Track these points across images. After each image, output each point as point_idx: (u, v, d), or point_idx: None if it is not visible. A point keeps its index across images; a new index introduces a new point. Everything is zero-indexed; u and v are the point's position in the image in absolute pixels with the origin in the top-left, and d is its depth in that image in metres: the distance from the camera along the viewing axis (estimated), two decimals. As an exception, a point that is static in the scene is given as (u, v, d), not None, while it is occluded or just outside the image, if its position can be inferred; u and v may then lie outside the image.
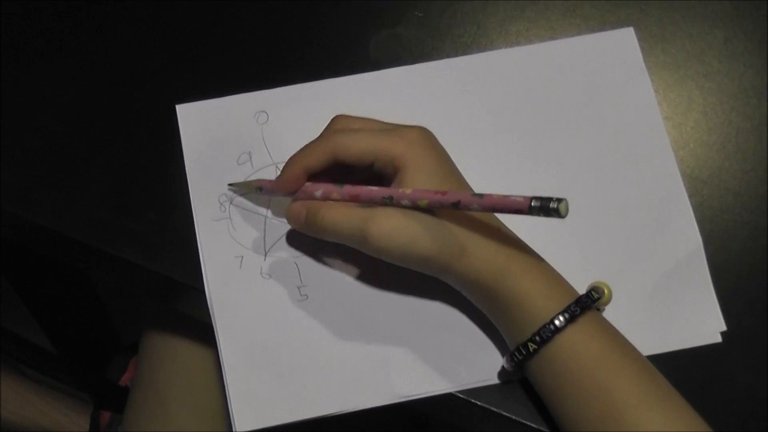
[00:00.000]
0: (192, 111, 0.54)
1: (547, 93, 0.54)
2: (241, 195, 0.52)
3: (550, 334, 0.42)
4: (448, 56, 0.55)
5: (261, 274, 0.51)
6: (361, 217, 0.43)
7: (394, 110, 0.51)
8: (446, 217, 0.43)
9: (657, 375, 0.43)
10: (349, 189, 0.45)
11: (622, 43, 0.55)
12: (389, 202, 0.43)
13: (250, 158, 0.53)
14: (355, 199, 0.45)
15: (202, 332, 0.52)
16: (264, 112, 0.54)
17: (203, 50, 0.57)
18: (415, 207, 0.43)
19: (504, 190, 0.42)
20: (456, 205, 0.41)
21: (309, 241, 0.51)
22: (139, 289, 0.58)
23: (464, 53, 0.55)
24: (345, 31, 0.56)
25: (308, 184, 0.47)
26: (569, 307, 0.42)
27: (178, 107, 0.54)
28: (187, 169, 0.53)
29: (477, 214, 0.44)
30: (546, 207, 0.37)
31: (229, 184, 0.52)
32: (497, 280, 0.43)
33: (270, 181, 0.49)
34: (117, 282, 0.69)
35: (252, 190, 0.51)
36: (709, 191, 0.52)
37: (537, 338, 0.42)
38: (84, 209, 0.53)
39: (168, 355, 0.68)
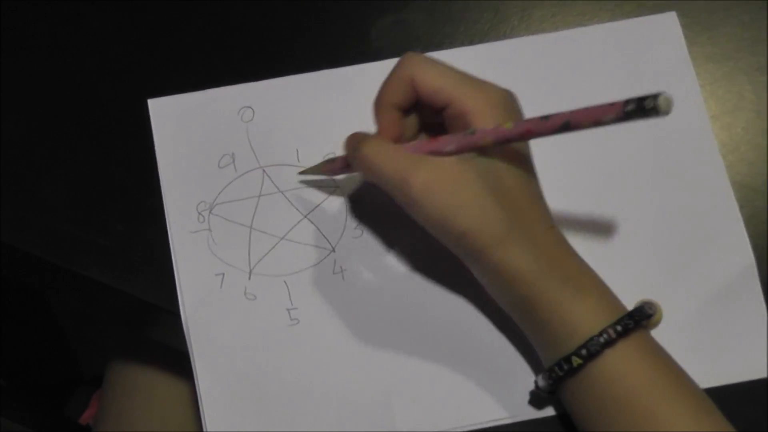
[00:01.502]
0: (166, 106, 0.54)
1: (576, 88, 0.54)
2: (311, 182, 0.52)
3: (599, 348, 0.42)
4: (462, 45, 0.56)
5: (245, 294, 0.51)
6: (408, 159, 0.43)
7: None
8: (498, 196, 0.43)
9: (714, 410, 0.43)
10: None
11: (663, 31, 0.55)
12: (469, 133, 0.43)
13: (233, 161, 0.54)
14: (433, 142, 0.45)
15: (177, 362, 0.52)
16: (249, 107, 0.54)
17: (180, 37, 0.57)
18: (499, 140, 0.42)
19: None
20: (543, 119, 0.41)
21: (301, 257, 0.51)
22: (105, 313, 0.58)
23: (480, 41, 0.56)
24: (344, 17, 0.57)
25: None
26: (622, 319, 0.43)
27: (150, 102, 0.54)
28: (160, 173, 0.53)
29: (531, 202, 0.44)
30: (642, 107, 0.36)
31: (300, 173, 0.52)
32: (539, 281, 0.43)
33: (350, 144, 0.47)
34: (79, 304, 0.68)
35: (326, 173, 0.51)
36: (762, 201, 0.53)
37: (583, 352, 0.42)
38: (42, 220, 0.53)
39: (137, 388, 0.68)
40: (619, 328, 0.42)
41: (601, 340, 0.42)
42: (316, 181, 0.53)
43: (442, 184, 0.43)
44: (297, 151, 0.54)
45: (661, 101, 0.35)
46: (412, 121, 0.47)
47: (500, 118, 0.43)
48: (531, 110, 0.52)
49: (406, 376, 0.50)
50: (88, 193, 0.54)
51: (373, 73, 0.53)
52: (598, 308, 0.43)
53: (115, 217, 0.53)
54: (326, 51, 0.56)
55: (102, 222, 0.53)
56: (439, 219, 0.43)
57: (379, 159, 0.44)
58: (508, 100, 0.44)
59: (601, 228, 0.52)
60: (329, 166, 0.51)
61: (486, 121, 0.43)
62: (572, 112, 0.39)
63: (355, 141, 0.46)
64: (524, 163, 0.46)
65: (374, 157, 0.44)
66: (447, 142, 0.44)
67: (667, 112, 0.35)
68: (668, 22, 0.54)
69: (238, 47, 0.56)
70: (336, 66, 0.55)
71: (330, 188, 0.53)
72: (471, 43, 0.55)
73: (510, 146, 0.44)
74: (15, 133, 0.55)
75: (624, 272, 0.50)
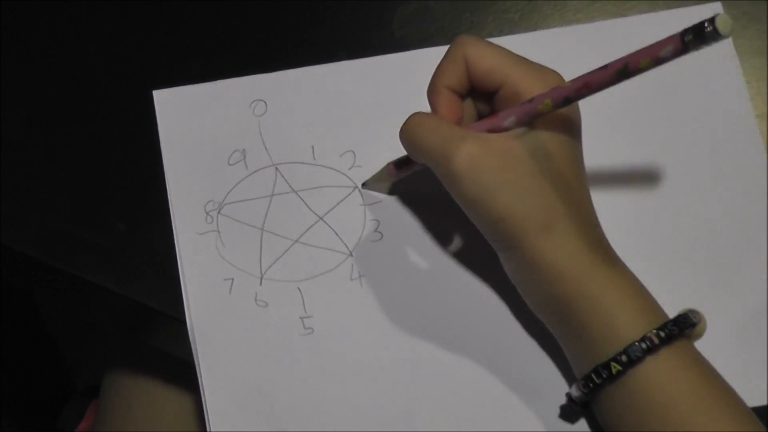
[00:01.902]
0: (173, 98, 0.54)
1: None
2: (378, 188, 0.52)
3: (640, 354, 0.42)
4: (491, 35, 0.55)
5: (256, 301, 0.51)
6: (454, 132, 0.43)
7: (423, 98, 0.51)
8: (547, 178, 0.43)
9: (761, 429, 0.43)
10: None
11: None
12: (527, 102, 0.43)
13: (244, 157, 0.53)
14: (491, 117, 0.45)
15: (181, 374, 0.52)
16: (262, 100, 0.54)
17: (188, 24, 0.57)
18: (558, 100, 0.42)
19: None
20: (601, 69, 0.41)
21: (316, 261, 0.51)
22: (104, 319, 0.58)
23: (510, 32, 0.55)
24: (364, 4, 0.57)
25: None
26: (666, 325, 0.42)
27: (155, 93, 0.54)
28: (165, 170, 0.53)
29: (572, 199, 0.44)
30: (701, 33, 0.36)
31: (363, 184, 0.52)
32: (579, 279, 0.43)
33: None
34: (75, 309, 0.68)
35: (387, 178, 0.51)
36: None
37: (623, 358, 0.42)
38: (38, 218, 0.53)
39: (137, 400, 0.67)
40: (662, 333, 0.41)
41: (643, 345, 0.41)
42: (333, 180, 0.53)
43: (487, 159, 0.42)
44: (312, 148, 0.54)
45: (719, 23, 0.35)
46: (469, 107, 0.47)
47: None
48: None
49: (428, 391, 0.49)
50: (88, 190, 0.54)
51: (395, 65, 0.54)
52: (640, 312, 0.43)
53: (116, 216, 0.53)
54: (345, 40, 0.55)
55: (102, 221, 0.53)
56: (479, 198, 0.43)
57: (422, 130, 0.44)
58: (560, 82, 0.44)
59: (637, 231, 0.52)
60: (391, 168, 0.50)
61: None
62: (628, 55, 0.39)
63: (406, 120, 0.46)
64: (576, 141, 0.45)
65: (417, 128, 0.44)
66: (505, 116, 0.44)
67: (728, 34, 0.35)
68: (712, 13, 0.53)
69: (251, 36, 0.56)
70: (355, 57, 0.55)
71: (348, 188, 0.53)
72: (500, 33, 0.55)
73: (564, 119, 0.44)
74: (11, 126, 0.55)
75: (660, 280, 0.49)
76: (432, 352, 0.50)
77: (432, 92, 0.46)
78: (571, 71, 0.51)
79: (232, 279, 0.51)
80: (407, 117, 0.46)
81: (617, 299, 0.43)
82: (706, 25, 0.35)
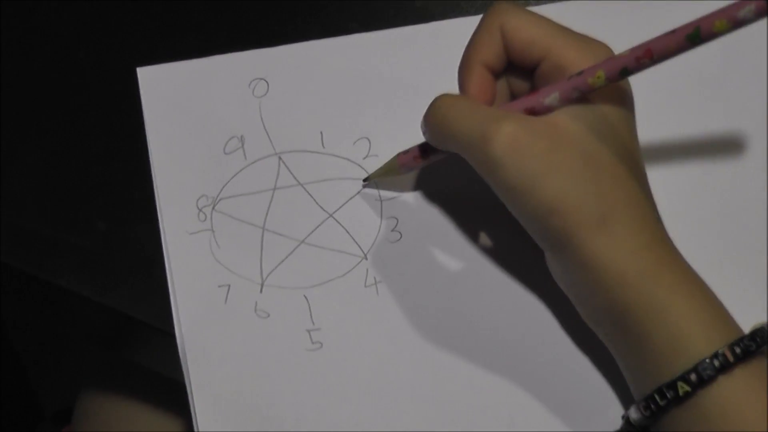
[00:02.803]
0: (160, 77, 0.54)
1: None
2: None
3: (712, 374, 0.41)
4: (528, 4, 0.55)
5: (256, 311, 0.51)
6: (491, 113, 0.43)
7: (449, 76, 0.50)
8: (604, 161, 0.42)
9: None
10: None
11: None
12: (575, 75, 0.43)
13: (243, 144, 0.53)
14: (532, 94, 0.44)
15: (169, 395, 0.52)
16: (262, 79, 0.54)
17: None
18: (613, 73, 0.42)
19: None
20: (669, 34, 0.40)
21: (325, 265, 0.51)
22: (79, 332, 0.58)
23: (545, 0, 0.55)
24: (380, -32, 0.56)
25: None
26: (741, 340, 0.41)
27: (139, 71, 0.54)
28: (152, 159, 0.53)
29: (638, 181, 0.43)
30: None
31: (365, 179, 0.52)
32: (642, 283, 0.42)
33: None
34: (45, 320, 0.68)
35: (401, 170, 0.50)
36: None
37: (692, 377, 0.41)
38: (4, 215, 0.53)
39: (117, 426, 0.67)
40: (737, 349, 0.41)
41: (716, 363, 0.40)
42: (344, 171, 0.53)
43: (533, 139, 0.41)
44: (321, 134, 0.53)
45: None
46: (503, 87, 0.47)
47: None
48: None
49: (453, 415, 0.49)
50: (62, 183, 0.53)
51: (416, 38, 0.54)
52: (712, 324, 0.42)
53: (95, 213, 0.53)
54: (358, 10, 0.55)
55: (79, 219, 0.53)
56: (525, 186, 0.42)
57: (454, 113, 0.43)
58: (610, 54, 0.44)
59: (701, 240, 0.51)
60: (403, 159, 0.50)
61: None
62: (700, 18, 0.38)
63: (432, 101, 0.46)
64: (633, 116, 0.45)
65: (448, 111, 0.44)
66: (547, 91, 0.43)
67: None
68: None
69: (250, 4, 0.56)
70: (370, 29, 0.55)
71: (362, 180, 0.52)
72: (539, 1, 0.55)
73: (617, 92, 0.43)
74: None
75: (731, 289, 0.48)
76: (458, 370, 0.50)
77: (464, 68, 0.46)
78: (619, 46, 0.51)
79: (229, 286, 0.51)
80: (432, 99, 0.45)
81: (686, 308, 0.42)
82: None
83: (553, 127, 0.42)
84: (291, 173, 0.53)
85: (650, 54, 0.40)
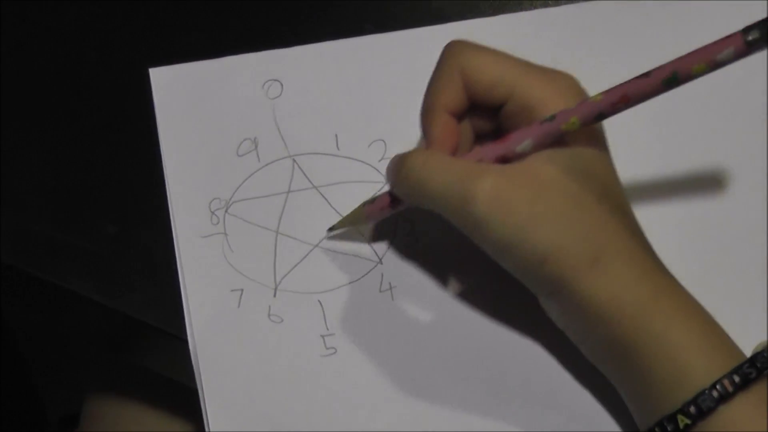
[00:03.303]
0: (172, 78, 0.54)
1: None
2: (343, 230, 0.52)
3: (712, 405, 0.40)
4: (546, 4, 0.55)
5: (269, 316, 0.50)
6: (467, 169, 0.42)
7: None
8: (589, 201, 0.42)
9: None
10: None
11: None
12: (547, 120, 0.42)
13: (256, 147, 0.53)
14: (501, 142, 0.44)
15: (180, 401, 0.52)
16: (276, 80, 0.54)
17: None
18: (588, 117, 0.42)
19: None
20: (643, 77, 0.40)
21: (339, 270, 0.51)
22: (86, 336, 0.57)
23: (565, 1, 0.56)
24: (396, -33, 0.56)
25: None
26: (741, 367, 0.41)
27: (152, 72, 0.54)
28: (164, 161, 0.53)
29: (622, 218, 0.43)
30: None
31: (330, 229, 0.51)
32: (637, 317, 0.42)
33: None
34: (52, 325, 0.68)
35: (369, 218, 0.50)
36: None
37: (691, 409, 0.41)
38: (14, 219, 0.53)
39: (125, 427, 0.67)
40: (736, 378, 0.40)
41: (715, 393, 0.40)
42: (359, 174, 0.53)
43: (514, 191, 0.41)
44: (336, 136, 0.53)
45: None
46: (466, 129, 0.47)
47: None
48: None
49: (467, 421, 0.49)
50: (72, 185, 0.53)
51: (432, 39, 0.52)
52: (712, 352, 0.42)
53: (105, 216, 0.52)
54: (372, 11, 0.55)
55: (89, 222, 0.52)
56: (513, 240, 0.42)
57: (428, 171, 0.43)
58: (577, 87, 0.44)
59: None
60: (370, 209, 0.49)
61: (558, 110, 0.42)
62: (677, 60, 0.38)
63: (400, 157, 0.45)
64: (608, 155, 0.45)
65: (422, 170, 0.43)
66: (518, 138, 0.43)
67: None
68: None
69: (264, 5, 0.56)
70: (385, 30, 0.55)
71: (377, 183, 0.52)
72: (558, 2, 0.55)
73: (590, 135, 0.43)
74: None
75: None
76: (474, 376, 0.49)
77: (426, 115, 0.45)
78: (634, 48, 0.51)
79: (242, 290, 0.51)
80: (402, 156, 0.45)
81: (684, 338, 0.42)
82: None
83: (531, 176, 0.42)
84: (305, 176, 0.52)
85: (626, 99, 0.40)
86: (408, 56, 0.54)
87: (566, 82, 0.44)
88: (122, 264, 0.52)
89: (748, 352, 0.43)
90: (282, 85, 0.54)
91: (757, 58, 0.52)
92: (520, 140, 0.43)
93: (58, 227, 0.52)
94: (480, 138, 0.47)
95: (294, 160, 0.53)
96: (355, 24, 0.54)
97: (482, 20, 0.54)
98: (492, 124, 0.46)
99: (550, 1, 0.55)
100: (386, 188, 0.48)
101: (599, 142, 0.44)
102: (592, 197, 0.42)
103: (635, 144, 0.52)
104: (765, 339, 0.47)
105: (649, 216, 0.47)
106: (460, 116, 0.46)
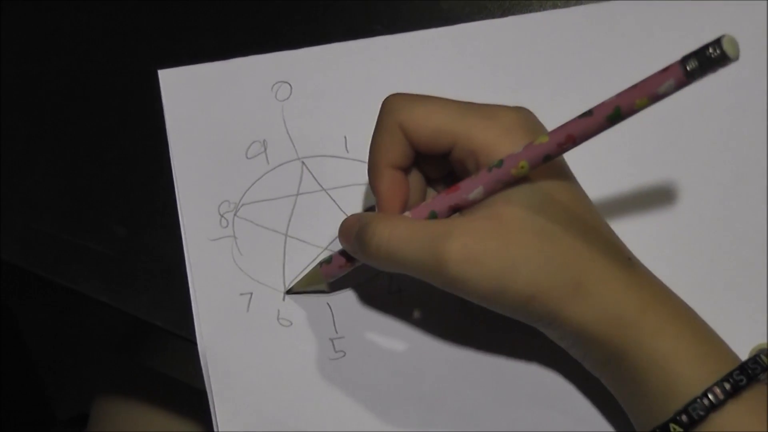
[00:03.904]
0: (181, 79, 0.54)
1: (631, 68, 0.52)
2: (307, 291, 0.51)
3: (702, 413, 0.40)
4: (555, 6, 0.55)
5: (278, 319, 0.50)
6: (433, 231, 0.42)
7: (475, 81, 0.51)
8: (559, 232, 0.42)
9: None
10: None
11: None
12: (495, 166, 0.42)
13: (265, 149, 0.53)
14: (453, 191, 0.44)
15: (189, 403, 0.52)
16: (285, 82, 0.54)
17: None
18: (535, 161, 0.41)
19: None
20: (585, 116, 0.40)
21: (348, 273, 0.50)
22: (96, 337, 0.58)
23: (573, 3, 0.55)
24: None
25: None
26: (731, 374, 0.41)
27: (160, 73, 0.54)
28: (173, 164, 0.53)
29: (596, 238, 0.43)
30: (707, 60, 0.35)
31: (287, 292, 0.51)
32: (626, 334, 0.42)
33: (344, 231, 0.46)
34: (61, 326, 0.68)
35: (325, 278, 0.50)
36: None
37: (683, 418, 0.41)
38: (22, 219, 0.53)
39: (134, 428, 0.67)
40: (727, 386, 0.40)
41: (705, 402, 0.40)
42: (365, 183, 0.51)
43: (484, 243, 0.41)
44: (345, 138, 0.53)
45: (726, 45, 0.34)
46: (416, 177, 0.47)
47: (521, 144, 0.42)
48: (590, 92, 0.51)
49: (477, 425, 0.49)
50: (81, 186, 0.53)
51: (441, 41, 0.54)
52: (702, 360, 0.42)
53: (114, 217, 0.52)
54: (381, 12, 0.55)
55: (98, 223, 0.52)
56: (495, 289, 0.42)
57: (396, 242, 0.42)
58: (524, 121, 0.44)
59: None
60: (327, 269, 0.49)
61: (505, 152, 0.42)
62: (618, 95, 0.38)
63: (357, 228, 0.45)
64: (571, 180, 0.45)
65: (389, 243, 0.43)
66: (469, 187, 0.43)
67: (736, 57, 0.34)
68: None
69: (272, 6, 0.56)
70: (394, 31, 0.54)
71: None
72: (567, 3, 0.55)
73: (546, 166, 0.43)
74: None
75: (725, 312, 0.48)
76: (485, 381, 0.49)
77: (372, 173, 0.45)
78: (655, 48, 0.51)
79: (251, 293, 0.51)
80: (362, 229, 0.44)
81: (673, 347, 0.42)
82: (710, 49, 0.35)
83: (495, 222, 0.42)
84: (314, 178, 0.52)
85: (572, 139, 0.40)
86: (417, 58, 0.54)
87: (509, 119, 0.43)
88: (131, 266, 0.52)
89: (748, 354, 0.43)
90: (291, 86, 0.54)
91: (758, 58, 0.53)
92: (471, 189, 0.43)
93: (67, 229, 0.52)
94: (433, 182, 0.48)
95: (303, 163, 0.53)
96: (365, 25, 0.54)
97: (491, 21, 0.54)
98: (443, 169, 0.46)
99: (559, 3, 0.55)
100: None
101: (561, 172, 0.44)
102: (559, 227, 0.42)
103: (635, 144, 0.52)
104: (764, 341, 0.48)
105: (644, 221, 0.48)
106: (408, 167, 0.46)
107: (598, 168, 0.49)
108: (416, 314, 0.50)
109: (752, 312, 0.49)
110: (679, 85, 0.36)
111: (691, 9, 0.55)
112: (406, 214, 0.45)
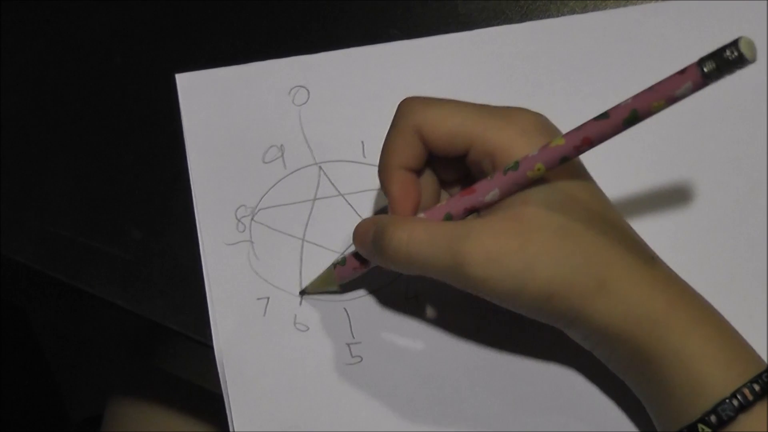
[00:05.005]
0: (198, 83, 0.54)
1: (638, 70, 0.54)
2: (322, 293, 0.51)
3: (732, 414, 0.40)
4: (573, 11, 0.55)
5: (295, 324, 0.50)
6: (451, 232, 0.42)
7: (491, 86, 0.51)
8: (579, 230, 0.42)
9: None
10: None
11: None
12: (511, 168, 0.42)
13: (282, 154, 0.53)
14: (468, 193, 0.44)
15: (204, 406, 0.53)
16: (303, 87, 0.54)
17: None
18: (551, 163, 0.41)
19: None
20: (601, 118, 0.40)
21: (365, 277, 0.50)
22: (113, 340, 0.58)
23: (595, 6, 0.55)
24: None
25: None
26: (760, 376, 0.41)
27: (178, 77, 0.54)
28: (190, 168, 0.53)
29: (618, 236, 0.43)
30: (724, 62, 0.35)
31: (301, 292, 0.51)
32: (652, 334, 0.42)
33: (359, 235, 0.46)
34: (76, 329, 0.68)
35: (339, 280, 0.50)
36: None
37: (711, 418, 0.40)
38: (38, 222, 0.53)
39: (148, 429, 0.67)
40: (756, 387, 0.40)
41: (735, 403, 0.40)
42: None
43: (504, 243, 0.41)
44: (362, 144, 0.53)
45: (743, 46, 0.34)
46: (429, 179, 0.47)
47: (537, 145, 0.42)
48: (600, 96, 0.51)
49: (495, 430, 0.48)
50: (98, 190, 0.53)
51: (458, 46, 0.53)
52: (731, 362, 0.41)
53: (131, 221, 0.52)
54: (398, 17, 0.55)
55: (115, 227, 0.52)
56: (515, 288, 0.41)
57: (415, 246, 0.42)
58: (539, 123, 0.44)
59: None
60: (340, 271, 0.49)
61: (521, 154, 0.42)
62: (635, 98, 0.38)
63: (373, 232, 0.45)
64: (589, 179, 0.45)
65: (408, 246, 0.43)
66: (485, 189, 0.43)
67: (754, 58, 0.34)
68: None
69: (290, 11, 0.56)
70: (412, 36, 0.54)
71: None
72: (584, 9, 0.55)
73: (564, 166, 0.43)
74: (7, 114, 0.55)
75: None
76: (502, 385, 0.49)
77: (384, 174, 0.45)
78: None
79: (268, 298, 0.51)
80: (379, 233, 0.44)
81: (702, 349, 0.41)
82: (727, 51, 0.35)
83: (515, 222, 0.42)
84: (332, 183, 0.52)
85: (588, 141, 0.40)
86: (434, 63, 0.54)
87: (525, 121, 0.43)
88: (147, 270, 0.52)
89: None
90: (308, 91, 0.54)
91: (758, 58, 0.53)
92: (487, 191, 0.43)
93: (84, 232, 0.52)
94: (447, 185, 0.48)
95: (320, 168, 0.53)
96: (382, 30, 0.54)
97: (509, 27, 0.54)
98: (458, 171, 0.46)
99: (577, 8, 0.54)
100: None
101: (578, 172, 0.44)
102: (580, 225, 0.42)
103: (636, 143, 0.52)
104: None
105: (646, 222, 0.48)
106: (420, 170, 0.46)
107: (607, 168, 0.49)
108: (433, 319, 0.50)
109: (750, 312, 0.49)
110: (696, 87, 0.36)
111: (691, 9, 0.55)
112: (421, 215, 0.45)
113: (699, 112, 0.53)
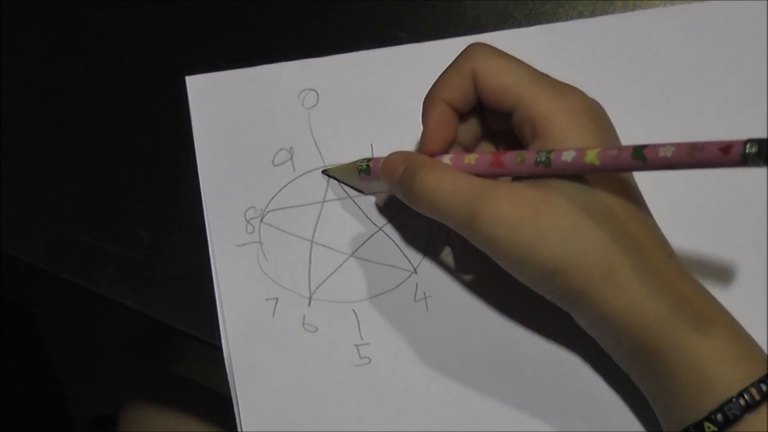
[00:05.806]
0: (208, 86, 0.54)
1: (647, 72, 0.54)
2: (341, 181, 0.52)
3: (738, 413, 0.40)
4: (581, 15, 0.55)
5: (303, 325, 0.50)
6: (475, 189, 0.43)
7: None
8: (596, 217, 0.42)
9: None
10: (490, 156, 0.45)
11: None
12: (542, 161, 0.42)
13: (292, 157, 0.53)
14: (496, 166, 0.44)
15: (212, 407, 0.53)
16: (312, 90, 0.54)
17: (227, 0, 0.56)
18: (577, 167, 0.42)
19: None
20: (638, 158, 0.39)
21: (374, 279, 0.50)
22: (121, 341, 0.57)
23: (603, 10, 0.55)
24: (432, -23, 0.56)
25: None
26: (767, 376, 0.41)
27: (188, 80, 0.54)
28: (199, 169, 0.53)
29: (638, 229, 0.43)
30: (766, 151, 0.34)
31: (323, 171, 0.52)
32: (658, 329, 0.42)
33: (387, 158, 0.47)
34: (85, 329, 0.68)
35: (354, 175, 0.50)
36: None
37: (718, 417, 0.40)
38: (47, 224, 0.53)
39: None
40: (763, 387, 0.40)
41: (741, 402, 0.40)
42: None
43: (520, 211, 0.42)
44: (371, 146, 0.53)
45: None
46: (471, 127, 0.47)
47: (582, 134, 0.42)
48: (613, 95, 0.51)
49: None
50: (106, 191, 0.53)
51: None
52: (739, 361, 0.41)
53: (140, 222, 0.52)
54: (408, 20, 0.55)
55: (123, 228, 0.52)
56: (522, 255, 0.42)
57: (440, 194, 0.43)
58: (593, 111, 0.44)
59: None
60: (363, 176, 0.50)
61: (562, 134, 0.42)
62: (676, 150, 0.37)
63: (404, 169, 0.45)
64: (635, 207, 0.44)
65: (434, 193, 0.44)
66: (513, 168, 0.43)
67: None
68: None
69: (300, 14, 0.56)
70: (420, 39, 0.54)
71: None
72: (593, 13, 0.55)
73: (618, 182, 0.43)
74: (15, 114, 0.55)
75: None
76: (509, 388, 0.49)
77: (427, 103, 0.46)
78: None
79: (276, 299, 0.51)
80: (410, 173, 0.45)
81: (710, 347, 0.41)
82: None
83: (536, 196, 0.42)
84: (341, 185, 0.52)
85: (623, 169, 0.40)
86: (443, 66, 0.53)
87: (576, 99, 0.43)
88: (156, 270, 0.52)
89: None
90: (318, 94, 0.54)
91: (758, 58, 0.53)
92: (514, 172, 0.43)
93: (93, 233, 0.52)
94: (495, 135, 0.48)
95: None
96: (390, 33, 0.54)
97: (517, 30, 0.54)
98: (508, 124, 0.46)
99: (585, 12, 0.55)
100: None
101: (630, 193, 0.44)
102: (602, 207, 0.42)
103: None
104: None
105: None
106: (463, 112, 0.46)
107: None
108: (441, 321, 0.50)
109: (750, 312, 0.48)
110: (730, 165, 0.36)
111: (698, 12, 0.55)
112: (447, 158, 0.45)
113: (699, 112, 0.53)
